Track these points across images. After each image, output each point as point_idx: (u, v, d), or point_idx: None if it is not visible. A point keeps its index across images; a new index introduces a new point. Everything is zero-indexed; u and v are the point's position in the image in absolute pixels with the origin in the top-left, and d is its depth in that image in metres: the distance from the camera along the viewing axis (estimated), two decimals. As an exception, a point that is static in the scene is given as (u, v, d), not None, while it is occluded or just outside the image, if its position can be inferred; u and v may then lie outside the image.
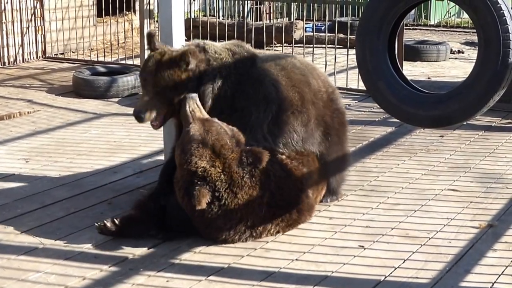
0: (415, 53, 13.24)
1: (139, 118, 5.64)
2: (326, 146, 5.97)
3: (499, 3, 4.67)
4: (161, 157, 6.97)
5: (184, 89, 5.55)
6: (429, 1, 15.01)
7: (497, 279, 4.84)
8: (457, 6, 14.40)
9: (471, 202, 6.21)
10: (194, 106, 5.42)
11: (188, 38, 9.95)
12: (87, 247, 5.28)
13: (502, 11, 4.67)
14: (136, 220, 5.49)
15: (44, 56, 13.26)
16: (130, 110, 9.32)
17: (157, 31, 6.31)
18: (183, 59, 5.54)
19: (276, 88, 5.73)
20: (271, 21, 15.09)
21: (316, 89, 5.98)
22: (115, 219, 5.41)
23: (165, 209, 5.51)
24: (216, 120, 5.40)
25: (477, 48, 4.93)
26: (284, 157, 5.64)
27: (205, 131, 5.25)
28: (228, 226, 5.29)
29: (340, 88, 7.46)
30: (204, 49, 5.73)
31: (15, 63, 12.71)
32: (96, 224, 5.47)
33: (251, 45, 6.18)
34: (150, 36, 5.75)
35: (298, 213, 5.59)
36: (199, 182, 5.11)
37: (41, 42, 13.21)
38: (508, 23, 4.68)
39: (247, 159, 5.25)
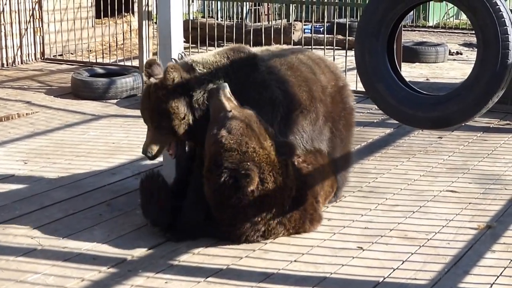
0: (414, 54, 13.25)
1: (149, 157, 5.65)
2: (332, 145, 5.99)
3: (498, 5, 4.68)
4: (160, 159, 6.96)
5: (179, 112, 5.40)
6: (427, 3, 15.05)
7: (495, 280, 4.84)
8: (455, 8, 14.42)
9: (469, 203, 6.21)
10: (228, 94, 5.33)
11: (186, 40, 9.93)
12: (86, 249, 5.27)
13: (501, 13, 4.68)
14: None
15: (42, 58, 13.26)
16: (129, 112, 9.41)
17: (156, 59, 6.14)
18: (166, 78, 5.38)
19: (282, 90, 5.66)
20: (270, 22, 15.09)
21: (324, 84, 5.93)
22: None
23: (179, 209, 5.51)
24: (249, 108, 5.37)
25: (475, 50, 4.94)
26: (300, 159, 5.65)
27: (248, 115, 5.24)
28: (255, 216, 5.23)
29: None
30: (191, 67, 5.54)
31: (13, 65, 12.71)
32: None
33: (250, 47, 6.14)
34: (149, 65, 5.61)
35: (310, 223, 5.59)
36: (249, 163, 5.07)
37: (40, 43, 13.21)
38: (507, 25, 4.69)
39: (282, 148, 5.27)
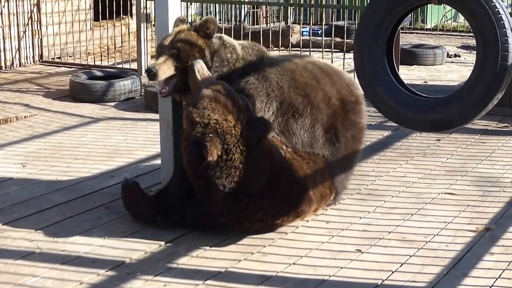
0: (412, 57, 13.25)
1: (150, 73, 5.70)
2: (333, 152, 5.97)
3: (497, 7, 4.68)
4: (158, 161, 6.96)
5: (198, 55, 5.73)
6: (425, 5, 15.05)
7: (494, 282, 4.84)
8: (453, 10, 14.44)
9: (468, 205, 6.21)
10: (202, 69, 5.57)
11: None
12: (84, 252, 5.27)
13: (500, 15, 4.68)
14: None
15: (41, 60, 13.26)
16: (127, 114, 9.42)
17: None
18: (204, 26, 5.82)
19: (280, 87, 5.81)
20: (268, 25, 15.09)
21: (328, 95, 5.95)
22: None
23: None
24: (224, 82, 5.56)
25: (473, 52, 4.94)
26: (290, 150, 5.72)
27: (216, 90, 5.39)
28: (228, 187, 5.30)
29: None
30: (221, 37, 5.93)
31: (12, 67, 12.70)
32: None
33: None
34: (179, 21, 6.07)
35: (296, 202, 5.61)
36: (211, 134, 5.21)
37: (38, 46, 13.21)
38: (506, 27, 4.69)
39: (255, 124, 5.40)
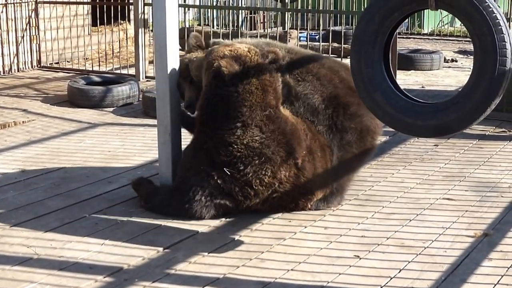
0: (409, 62, 13.26)
1: (190, 107, 6.40)
2: (332, 133, 6.19)
3: (494, 13, 4.68)
4: (156, 167, 6.96)
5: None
6: (422, 10, 15.11)
7: (493, 288, 4.85)
8: (450, 15, 14.45)
9: (466, 211, 6.21)
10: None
11: (182, 48, 9.94)
12: (82, 258, 5.26)
13: (498, 20, 4.68)
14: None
15: (39, 66, 13.27)
16: (125, 120, 9.41)
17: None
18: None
19: (287, 49, 6.45)
20: (265, 30, 15.10)
21: (331, 76, 6.34)
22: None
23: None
24: None
25: (470, 57, 4.94)
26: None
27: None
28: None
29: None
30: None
31: (10, 73, 12.71)
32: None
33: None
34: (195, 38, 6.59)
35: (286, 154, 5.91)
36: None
37: (36, 51, 13.23)
38: (504, 32, 4.69)
39: (267, 55, 6.05)
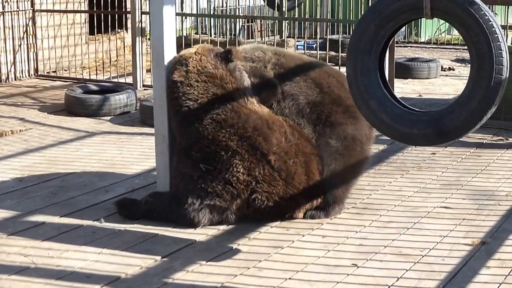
0: (406, 70, 13.28)
1: None
2: (319, 139, 6.25)
3: (490, 21, 4.68)
4: (153, 176, 6.95)
5: None
6: (418, 19, 15.18)
7: (490, 297, 4.84)
8: (447, 23, 14.49)
9: (463, 219, 6.21)
10: None
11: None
12: (79, 267, 5.25)
13: (494, 29, 4.68)
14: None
15: (36, 74, 13.27)
16: (123, 129, 9.42)
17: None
18: None
19: (278, 52, 6.64)
20: (263, 38, 15.11)
21: (321, 81, 6.51)
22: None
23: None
24: None
25: (467, 65, 4.93)
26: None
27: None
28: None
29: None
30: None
31: (7, 81, 12.71)
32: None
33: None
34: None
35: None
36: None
37: (33, 60, 13.23)
38: (500, 40, 4.69)
39: (220, 53, 6.31)
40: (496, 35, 4.70)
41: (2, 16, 12.53)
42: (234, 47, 6.58)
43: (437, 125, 4.91)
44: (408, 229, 6.00)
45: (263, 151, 5.98)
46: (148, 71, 12.26)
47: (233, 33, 15.33)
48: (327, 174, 6.18)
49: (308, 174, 6.11)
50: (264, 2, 15.63)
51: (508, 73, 4.75)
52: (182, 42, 12.90)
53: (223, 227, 6.00)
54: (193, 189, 5.99)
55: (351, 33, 14.73)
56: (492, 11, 12.30)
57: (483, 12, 4.69)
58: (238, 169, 5.95)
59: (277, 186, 6.01)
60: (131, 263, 5.31)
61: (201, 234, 5.86)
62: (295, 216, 6.17)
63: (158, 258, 5.41)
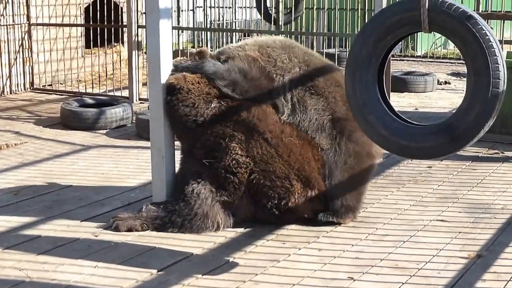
0: (403, 84, 13.29)
1: None
2: (333, 153, 6.30)
3: (487, 35, 4.69)
4: (149, 190, 6.94)
5: None
6: (416, 33, 15.20)
7: (487, 310, 4.83)
8: (443, 37, 14.51)
9: (459, 232, 6.20)
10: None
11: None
12: (75, 281, 5.23)
13: (491, 43, 4.69)
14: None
15: (32, 88, 13.26)
16: (118, 142, 9.40)
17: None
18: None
19: (304, 60, 6.54)
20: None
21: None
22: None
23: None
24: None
25: (462, 79, 4.93)
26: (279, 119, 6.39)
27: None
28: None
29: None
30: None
31: (2, 95, 12.70)
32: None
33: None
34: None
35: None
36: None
37: (29, 73, 13.22)
38: (497, 54, 4.70)
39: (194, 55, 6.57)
40: (493, 49, 4.71)
41: (-3, 30, 12.55)
42: (203, 48, 6.73)
43: (435, 139, 4.92)
44: (404, 242, 5.99)
45: (259, 130, 6.20)
46: (144, 84, 12.26)
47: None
48: (336, 184, 6.30)
49: (303, 155, 6.24)
50: (261, 15, 15.64)
51: (505, 86, 4.76)
52: (179, 55, 12.91)
53: (219, 240, 5.99)
54: (202, 186, 6.12)
55: (347, 47, 14.78)
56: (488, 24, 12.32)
57: (480, 26, 4.70)
58: (236, 151, 6.14)
59: (274, 163, 6.17)
60: (127, 277, 5.29)
61: (197, 247, 5.85)
62: (295, 207, 6.25)
63: (154, 271, 5.40)
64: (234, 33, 15.76)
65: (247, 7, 17.46)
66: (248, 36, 16.74)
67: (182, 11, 15.94)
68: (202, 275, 5.34)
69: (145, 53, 11.30)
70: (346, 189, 6.34)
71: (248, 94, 6.29)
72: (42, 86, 13.33)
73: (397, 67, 15.96)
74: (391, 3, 8.84)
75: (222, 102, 6.28)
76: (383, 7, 8.42)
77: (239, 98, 6.28)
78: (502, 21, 11.90)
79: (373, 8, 9.44)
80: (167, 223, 6.16)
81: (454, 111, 4.96)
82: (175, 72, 6.44)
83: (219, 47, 14.25)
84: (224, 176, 6.14)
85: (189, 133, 6.31)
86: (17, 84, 13.05)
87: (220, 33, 15.73)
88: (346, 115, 6.28)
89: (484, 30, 4.71)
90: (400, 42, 5.97)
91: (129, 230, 6.15)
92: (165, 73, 6.37)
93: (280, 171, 6.17)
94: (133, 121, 10.27)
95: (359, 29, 10.03)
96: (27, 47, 13.12)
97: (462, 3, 5.71)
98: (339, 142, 6.30)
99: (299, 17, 15.33)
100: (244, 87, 6.28)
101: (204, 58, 6.45)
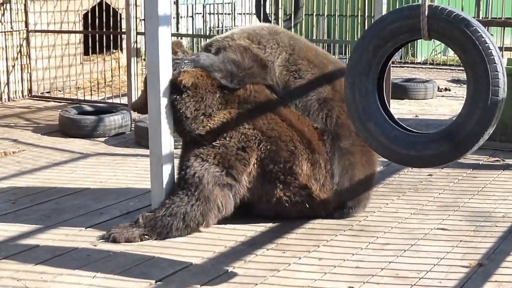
0: (403, 91, 13.27)
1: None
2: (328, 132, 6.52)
3: (487, 42, 4.67)
4: (148, 198, 6.90)
5: None
6: (416, 40, 15.18)
7: (489, 320, 4.79)
8: (443, 44, 14.53)
9: (460, 241, 6.17)
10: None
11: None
12: (73, 291, 5.20)
13: (490, 50, 4.67)
14: None
15: (30, 95, 13.23)
16: (117, 150, 9.37)
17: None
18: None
19: (290, 44, 6.78)
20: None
21: (334, 80, 6.74)
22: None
23: None
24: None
25: (462, 86, 4.91)
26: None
27: None
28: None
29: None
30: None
31: (0, 102, 12.66)
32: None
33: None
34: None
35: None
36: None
37: (27, 80, 13.19)
38: (497, 62, 4.68)
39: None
40: (493, 56, 4.68)
41: (-5, 37, 12.53)
42: (177, 41, 7.05)
43: (435, 147, 4.89)
44: (405, 251, 5.96)
45: (260, 102, 6.49)
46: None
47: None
48: (342, 181, 6.49)
49: (301, 121, 6.53)
50: (260, 22, 15.62)
51: (505, 94, 4.73)
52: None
53: (219, 249, 5.95)
54: (205, 171, 6.26)
55: (347, 53, 14.76)
56: (488, 31, 12.32)
57: (479, 33, 4.68)
58: (244, 126, 6.39)
59: (278, 128, 6.41)
60: (126, 287, 5.26)
61: (196, 256, 5.81)
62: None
63: (153, 281, 5.36)
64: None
65: (247, 14, 17.44)
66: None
67: (181, 17, 15.93)
68: (202, 285, 5.30)
69: (144, 60, 11.29)
70: (354, 186, 6.59)
71: (244, 83, 6.49)
72: (41, 93, 13.31)
73: (397, 73, 15.95)
74: (391, 9, 8.82)
75: (225, 91, 6.47)
76: (383, 14, 8.43)
77: (236, 88, 6.47)
78: (503, 28, 11.89)
79: (373, 15, 9.42)
80: (168, 222, 6.15)
81: (454, 119, 4.93)
82: (176, 68, 6.52)
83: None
84: (235, 153, 6.32)
85: (197, 126, 6.39)
86: (15, 91, 13.03)
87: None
88: (332, 95, 6.57)
89: (483, 37, 4.69)
90: (400, 49, 5.95)
91: (128, 241, 6.11)
92: (164, 81, 6.33)
93: (285, 134, 6.40)
94: (132, 128, 10.24)
95: (359, 36, 10.00)
96: (25, 53, 13.10)
97: (462, 9, 5.68)
98: (330, 123, 6.50)
99: (298, 24, 15.32)
100: (240, 77, 6.46)
101: (179, 48, 6.74)
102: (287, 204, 6.44)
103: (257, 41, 6.69)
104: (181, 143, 6.67)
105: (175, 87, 6.38)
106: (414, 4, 4.91)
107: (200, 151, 6.34)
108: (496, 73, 4.68)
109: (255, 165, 6.39)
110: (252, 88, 6.50)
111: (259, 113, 6.45)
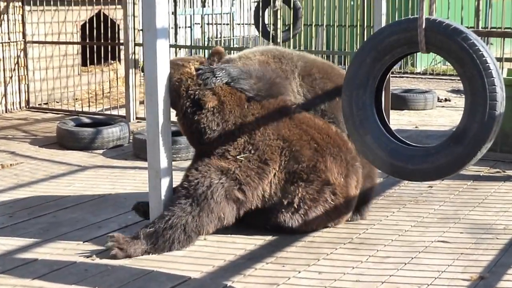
0: (402, 101, 13.25)
1: None
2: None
3: (484, 56, 4.64)
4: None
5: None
6: (414, 53, 15.19)
7: (490, 334, 4.75)
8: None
9: (461, 253, 6.12)
10: None
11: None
12: (70, 306, 5.15)
13: (488, 64, 4.63)
14: None
15: (27, 106, 13.20)
16: (115, 162, 9.33)
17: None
18: None
19: (299, 56, 7.16)
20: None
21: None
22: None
23: None
24: None
25: (462, 96, 4.88)
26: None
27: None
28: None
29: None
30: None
31: (-3, 114, 12.65)
32: None
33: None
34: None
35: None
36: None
37: (25, 91, 13.17)
38: (494, 76, 4.64)
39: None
40: (490, 70, 4.65)
41: (-7, 48, 12.50)
42: (219, 47, 7.24)
43: (432, 161, 4.85)
44: (405, 264, 5.91)
45: (285, 111, 6.62)
46: (141, 103, 12.21)
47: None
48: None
49: (320, 119, 6.76)
50: (259, 33, 15.62)
51: (503, 108, 4.69)
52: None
53: (218, 263, 5.91)
54: (226, 182, 6.30)
55: (346, 64, 14.74)
56: (487, 41, 12.32)
57: (477, 47, 4.64)
58: (269, 136, 6.50)
59: (299, 131, 6.54)
60: (124, 299, 5.22)
61: (195, 271, 5.76)
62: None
63: (151, 296, 5.32)
64: (231, 51, 15.69)
65: (245, 24, 17.42)
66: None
67: (179, 28, 15.91)
68: (200, 299, 5.26)
69: (142, 71, 11.26)
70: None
71: (269, 94, 6.63)
72: (38, 104, 13.28)
73: (396, 84, 15.94)
74: (390, 19, 8.80)
75: (251, 103, 6.58)
76: (382, 24, 8.41)
77: (261, 99, 6.60)
78: (502, 38, 11.86)
79: (372, 25, 9.39)
80: (169, 236, 6.11)
81: (451, 133, 4.90)
82: (202, 79, 6.59)
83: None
84: (256, 166, 6.39)
85: (222, 139, 6.47)
86: (13, 102, 13.00)
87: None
88: (336, 102, 6.79)
89: (481, 51, 4.65)
90: (398, 62, 5.91)
91: (128, 257, 6.05)
92: (162, 91, 6.30)
93: (306, 133, 6.54)
94: (130, 140, 10.20)
95: (358, 46, 9.97)
96: (22, 65, 13.08)
97: (462, 19, 5.64)
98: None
99: (297, 34, 15.31)
100: (265, 88, 6.61)
101: (221, 58, 6.78)
102: (310, 203, 6.46)
103: (272, 55, 6.92)
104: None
105: (199, 105, 6.51)
106: (412, 17, 4.88)
107: (221, 164, 6.34)
108: (494, 87, 4.65)
109: (278, 172, 6.45)
110: (275, 99, 6.61)
111: (282, 123, 6.55)
